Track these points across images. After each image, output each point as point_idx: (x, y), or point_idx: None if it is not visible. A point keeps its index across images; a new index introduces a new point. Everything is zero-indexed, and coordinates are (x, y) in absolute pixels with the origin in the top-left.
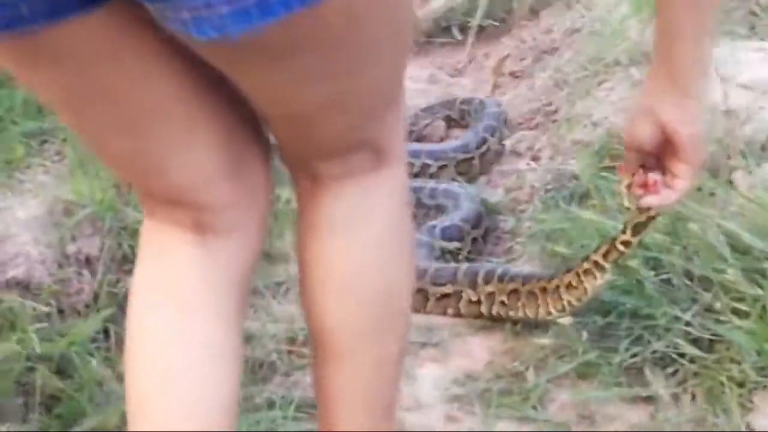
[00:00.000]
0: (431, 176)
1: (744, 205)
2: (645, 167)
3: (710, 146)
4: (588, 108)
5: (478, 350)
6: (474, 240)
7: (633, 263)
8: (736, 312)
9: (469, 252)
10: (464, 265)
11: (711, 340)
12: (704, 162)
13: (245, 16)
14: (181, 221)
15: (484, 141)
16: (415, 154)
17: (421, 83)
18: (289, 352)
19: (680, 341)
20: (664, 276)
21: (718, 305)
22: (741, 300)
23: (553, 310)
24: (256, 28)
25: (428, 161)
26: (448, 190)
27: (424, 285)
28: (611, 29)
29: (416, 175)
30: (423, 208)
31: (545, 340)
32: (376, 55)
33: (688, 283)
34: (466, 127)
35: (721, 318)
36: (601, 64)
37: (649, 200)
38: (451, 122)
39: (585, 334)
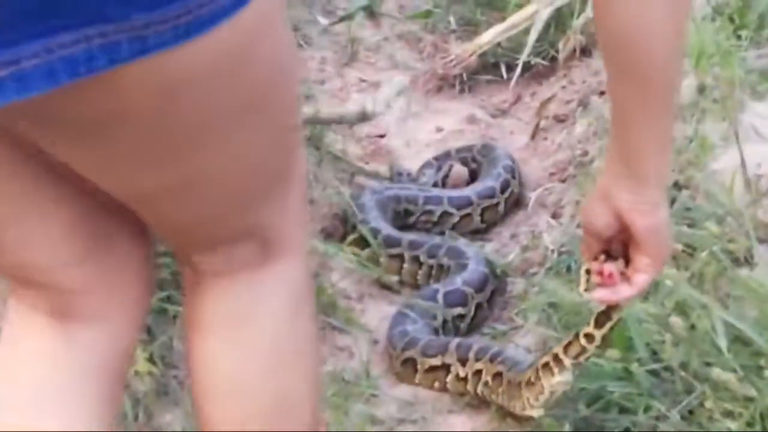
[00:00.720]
0: (454, 227)
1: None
2: (608, 253)
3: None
4: None
5: (462, 427)
6: (479, 305)
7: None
8: (728, 413)
9: (473, 318)
10: (458, 339)
11: None
12: (668, 256)
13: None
14: (37, 305)
15: (507, 184)
16: (436, 201)
17: (460, 124)
18: None
19: None
20: (657, 366)
21: (708, 404)
22: (735, 399)
23: (525, 405)
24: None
25: (450, 209)
26: (452, 249)
27: (414, 354)
28: None
29: (435, 224)
30: (423, 267)
31: (527, 429)
32: (224, 135)
33: (683, 374)
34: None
35: (714, 416)
36: None
37: (600, 295)
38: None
39: (567, 426)
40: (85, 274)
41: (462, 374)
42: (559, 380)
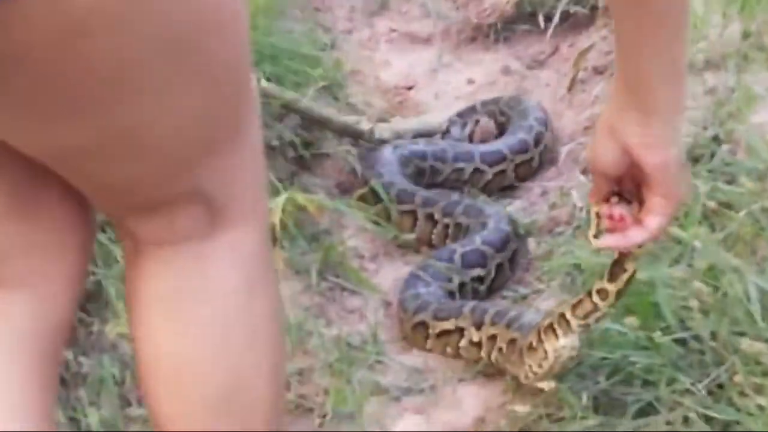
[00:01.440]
0: (486, 185)
1: None
2: (621, 196)
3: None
4: None
5: (469, 402)
6: (499, 266)
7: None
8: (760, 388)
9: (493, 280)
10: (473, 302)
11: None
12: (683, 196)
13: None
14: None
15: (541, 137)
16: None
17: (493, 75)
18: None
19: (693, 416)
20: (684, 335)
21: (738, 377)
22: (766, 374)
23: (528, 373)
24: None
25: (482, 167)
26: (470, 206)
27: (425, 318)
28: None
29: (465, 182)
30: (437, 226)
31: (540, 400)
32: (145, 85)
33: (712, 345)
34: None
35: (745, 391)
36: None
37: (609, 240)
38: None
39: (585, 398)
40: (8, 236)
41: (476, 339)
42: (563, 344)
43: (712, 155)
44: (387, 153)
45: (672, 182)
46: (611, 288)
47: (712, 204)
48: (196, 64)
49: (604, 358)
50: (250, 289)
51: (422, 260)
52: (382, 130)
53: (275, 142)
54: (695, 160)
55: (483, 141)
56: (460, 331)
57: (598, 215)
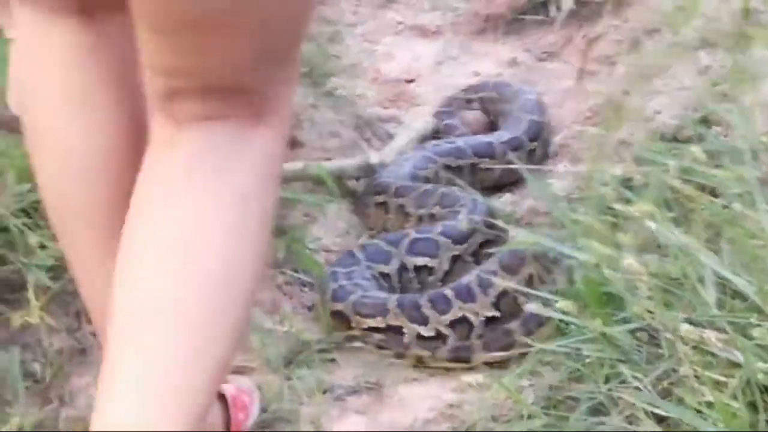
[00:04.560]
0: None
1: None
2: None
3: None
4: (643, 100)
5: (415, 402)
6: (456, 258)
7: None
8: (712, 384)
9: (447, 272)
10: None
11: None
12: None
13: None
14: (55, 6)
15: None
16: (459, 153)
17: (499, 67)
18: None
19: (642, 415)
20: (638, 324)
21: (685, 369)
22: (718, 366)
23: None
24: None
25: (476, 160)
26: (446, 196)
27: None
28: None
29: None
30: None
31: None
32: None
33: (667, 335)
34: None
35: (694, 385)
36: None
37: None
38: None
39: (533, 396)
40: None
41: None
42: None
43: (701, 137)
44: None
45: None
46: None
47: (687, 187)
48: None
49: (553, 352)
50: (268, 180)
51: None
52: (383, 155)
53: None
54: (683, 141)
55: (475, 133)
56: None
57: None
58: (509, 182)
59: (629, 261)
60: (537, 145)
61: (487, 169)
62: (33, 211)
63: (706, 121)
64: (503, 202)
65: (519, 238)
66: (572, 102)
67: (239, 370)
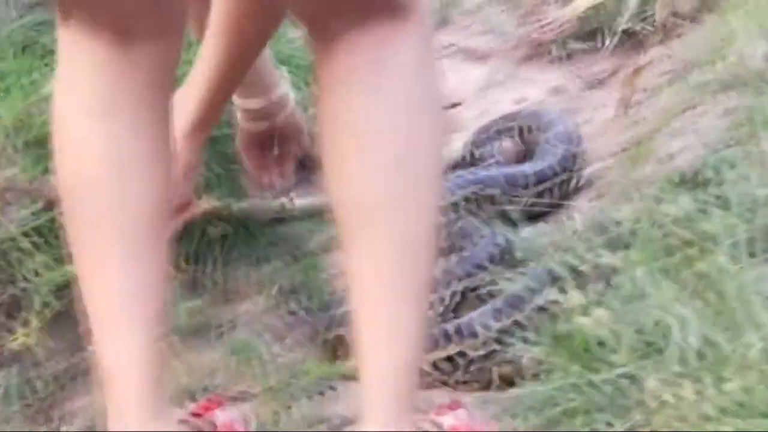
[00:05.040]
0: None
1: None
2: None
3: None
4: (666, 139)
5: None
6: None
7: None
8: None
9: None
10: None
11: None
12: None
13: None
14: (95, 31)
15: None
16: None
17: (544, 95)
18: None
19: None
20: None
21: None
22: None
23: None
24: None
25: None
26: (463, 227)
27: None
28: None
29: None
30: None
31: None
32: None
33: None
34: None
35: None
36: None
37: None
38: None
39: None
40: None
41: None
42: None
43: (720, 181)
44: None
45: None
46: None
47: (686, 233)
48: None
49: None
50: (425, 67)
51: None
52: None
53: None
54: (700, 184)
55: (509, 162)
56: None
57: None
58: (541, 213)
59: (600, 311)
60: (569, 176)
61: (517, 199)
62: (43, 232)
63: (725, 165)
64: (530, 233)
65: (501, 284)
66: (612, 133)
67: (238, 397)
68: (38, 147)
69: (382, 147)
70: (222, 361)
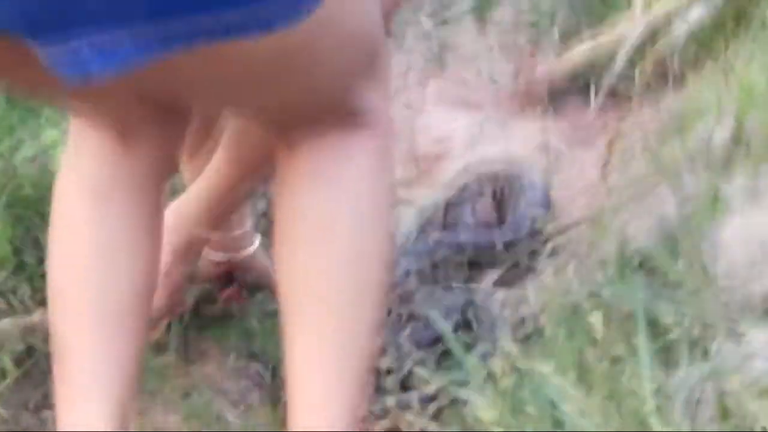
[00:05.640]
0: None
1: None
2: None
3: None
4: (626, 217)
5: None
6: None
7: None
8: None
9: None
10: None
11: None
12: None
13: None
14: (98, 128)
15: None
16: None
17: (531, 150)
18: None
19: None
20: None
21: None
22: None
23: None
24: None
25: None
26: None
27: None
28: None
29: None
30: None
31: None
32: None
33: None
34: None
35: None
36: None
37: None
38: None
39: None
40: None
41: None
42: None
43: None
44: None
45: None
46: None
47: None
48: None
49: None
50: (381, 176)
51: None
52: None
53: None
54: (647, 271)
55: (482, 224)
56: None
57: None
58: (512, 278)
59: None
60: (538, 242)
61: (485, 264)
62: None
63: (675, 253)
64: (497, 300)
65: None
66: (590, 197)
67: None
68: (20, 207)
69: (334, 242)
70: (184, 425)
